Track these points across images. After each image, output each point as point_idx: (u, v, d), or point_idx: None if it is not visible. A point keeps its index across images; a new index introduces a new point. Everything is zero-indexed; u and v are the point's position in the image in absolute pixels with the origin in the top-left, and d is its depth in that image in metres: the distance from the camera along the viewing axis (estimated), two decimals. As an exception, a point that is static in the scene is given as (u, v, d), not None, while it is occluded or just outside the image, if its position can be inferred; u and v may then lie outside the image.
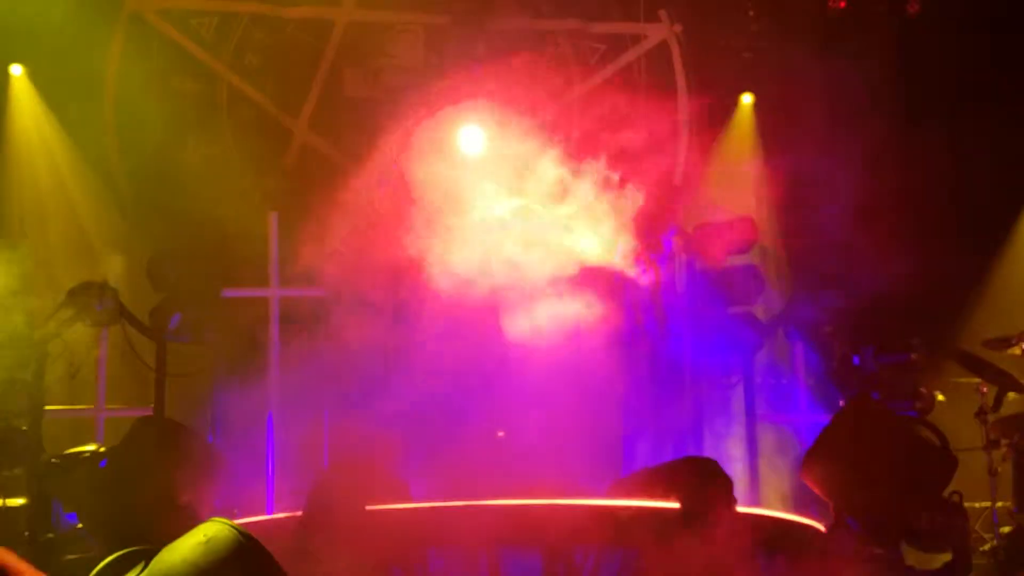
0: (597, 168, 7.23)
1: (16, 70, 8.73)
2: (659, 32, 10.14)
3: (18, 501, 6.90)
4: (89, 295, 7.46)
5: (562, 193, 6.86)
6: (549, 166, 6.79)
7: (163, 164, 9.00)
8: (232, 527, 3.79)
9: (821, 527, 5.69)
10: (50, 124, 8.75)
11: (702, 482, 5.37)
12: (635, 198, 6.73)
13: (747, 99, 10.07)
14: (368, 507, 5.17)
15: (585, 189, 6.67)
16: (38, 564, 5.73)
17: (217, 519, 3.87)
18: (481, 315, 6.86)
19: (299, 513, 5.31)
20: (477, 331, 6.93)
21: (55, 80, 8.69)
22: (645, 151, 9.66)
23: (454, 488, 5.67)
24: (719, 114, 10.12)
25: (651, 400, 7.62)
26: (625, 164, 9.38)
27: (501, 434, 6.63)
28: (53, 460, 6.80)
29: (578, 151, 7.38)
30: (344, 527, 5.01)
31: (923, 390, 8.24)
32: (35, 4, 8.25)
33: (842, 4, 9.93)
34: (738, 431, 7.94)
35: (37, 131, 8.75)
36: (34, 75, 8.74)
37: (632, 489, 5.73)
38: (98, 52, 8.95)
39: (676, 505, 5.27)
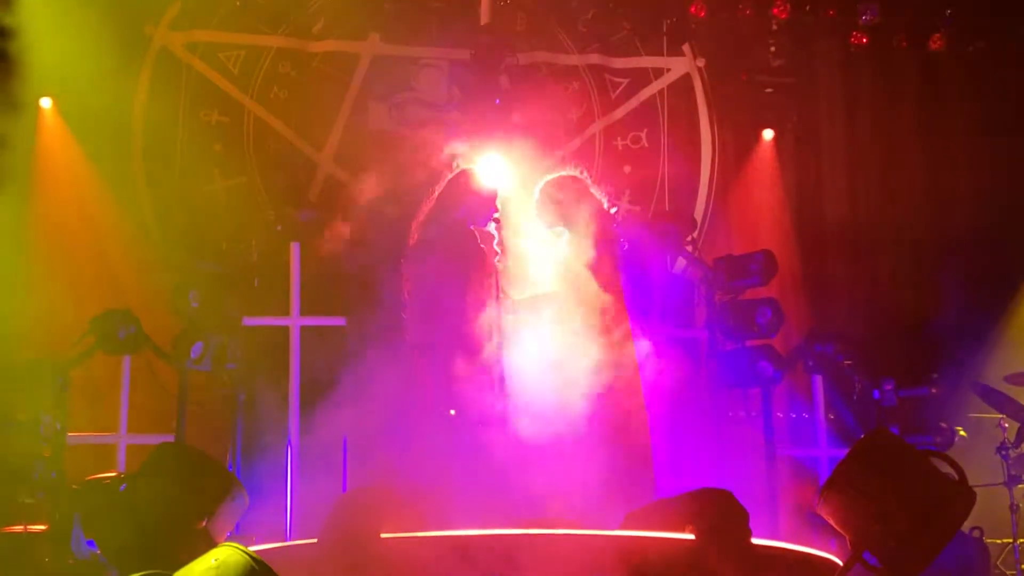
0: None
1: (46, 103, 8.87)
2: (682, 66, 10.15)
3: (39, 527, 6.93)
4: (112, 323, 7.55)
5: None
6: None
7: (188, 194, 9.11)
8: (243, 552, 3.81)
9: (838, 561, 5.64)
10: (78, 156, 8.88)
11: (718, 514, 5.34)
12: None
13: (769, 134, 10.07)
14: (384, 535, 5.17)
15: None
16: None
17: (229, 544, 3.89)
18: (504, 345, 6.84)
19: (314, 540, 5.32)
20: (499, 361, 6.91)
21: (84, 113, 8.81)
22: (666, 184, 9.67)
23: (472, 516, 5.65)
24: (741, 149, 10.13)
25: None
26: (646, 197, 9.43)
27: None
28: (74, 487, 6.84)
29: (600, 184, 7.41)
30: (359, 555, 5.00)
31: (943, 425, 8.19)
32: (64, 38, 8.38)
33: (864, 40, 9.94)
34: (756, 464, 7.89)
35: (65, 162, 8.88)
36: (63, 108, 8.88)
37: (647, 520, 5.70)
38: (126, 85, 9.09)
39: (691, 537, 5.24)
